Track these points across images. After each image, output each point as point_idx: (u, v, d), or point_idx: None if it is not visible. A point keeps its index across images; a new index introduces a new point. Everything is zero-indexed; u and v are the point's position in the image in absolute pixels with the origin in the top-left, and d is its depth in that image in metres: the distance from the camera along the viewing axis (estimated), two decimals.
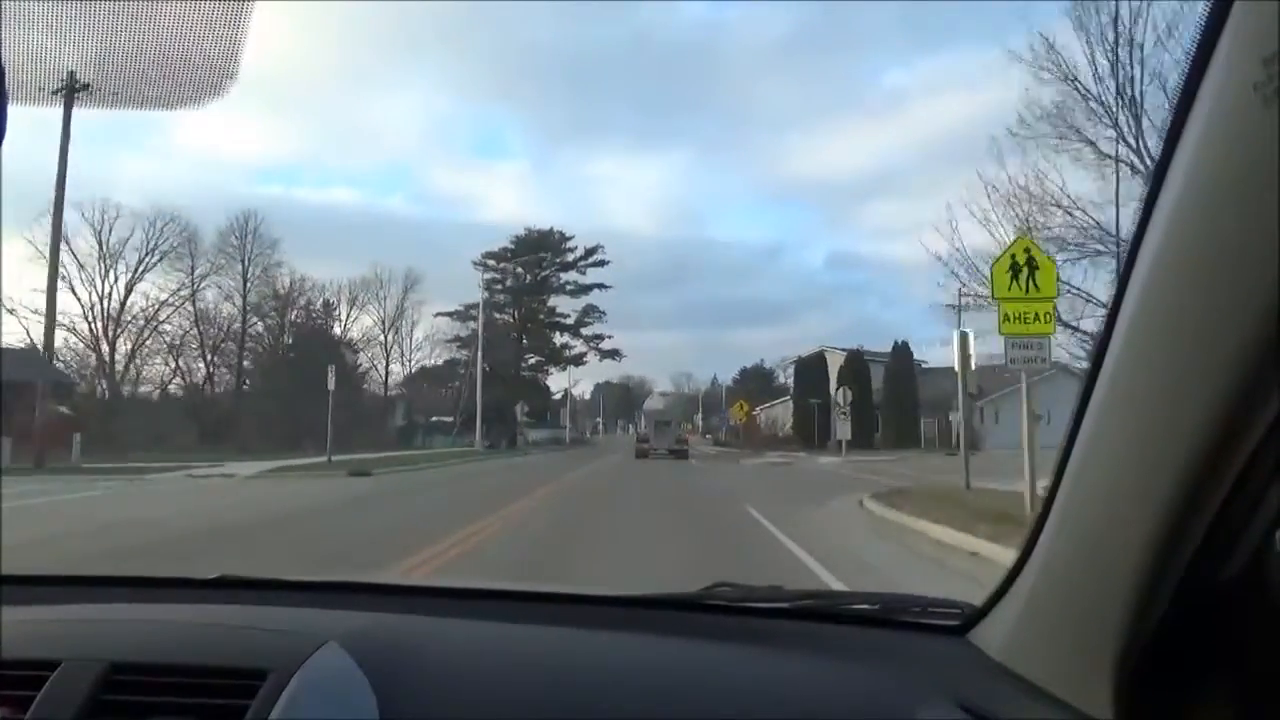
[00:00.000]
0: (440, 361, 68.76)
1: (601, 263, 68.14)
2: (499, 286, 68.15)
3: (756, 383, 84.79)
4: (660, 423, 40.18)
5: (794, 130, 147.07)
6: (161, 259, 47.71)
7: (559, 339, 69.80)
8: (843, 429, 32.94)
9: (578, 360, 70.63)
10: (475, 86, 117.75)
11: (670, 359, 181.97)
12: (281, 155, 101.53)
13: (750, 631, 1.27)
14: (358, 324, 62.74)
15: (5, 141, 0.61)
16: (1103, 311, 1.14)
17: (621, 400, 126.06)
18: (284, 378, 47.82)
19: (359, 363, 63.30)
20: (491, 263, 66.79)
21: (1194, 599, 0.77)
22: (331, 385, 24.32)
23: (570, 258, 67.97)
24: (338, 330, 60.39)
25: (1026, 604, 1.00)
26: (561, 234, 67.14)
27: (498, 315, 67.96)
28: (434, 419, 67.56)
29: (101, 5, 0.70)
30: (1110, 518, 0.80)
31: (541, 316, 69.04)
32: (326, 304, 60.61)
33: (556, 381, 78.34)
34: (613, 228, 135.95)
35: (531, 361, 69.11)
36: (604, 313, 69.07)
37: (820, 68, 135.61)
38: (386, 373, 66.95)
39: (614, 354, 70.00)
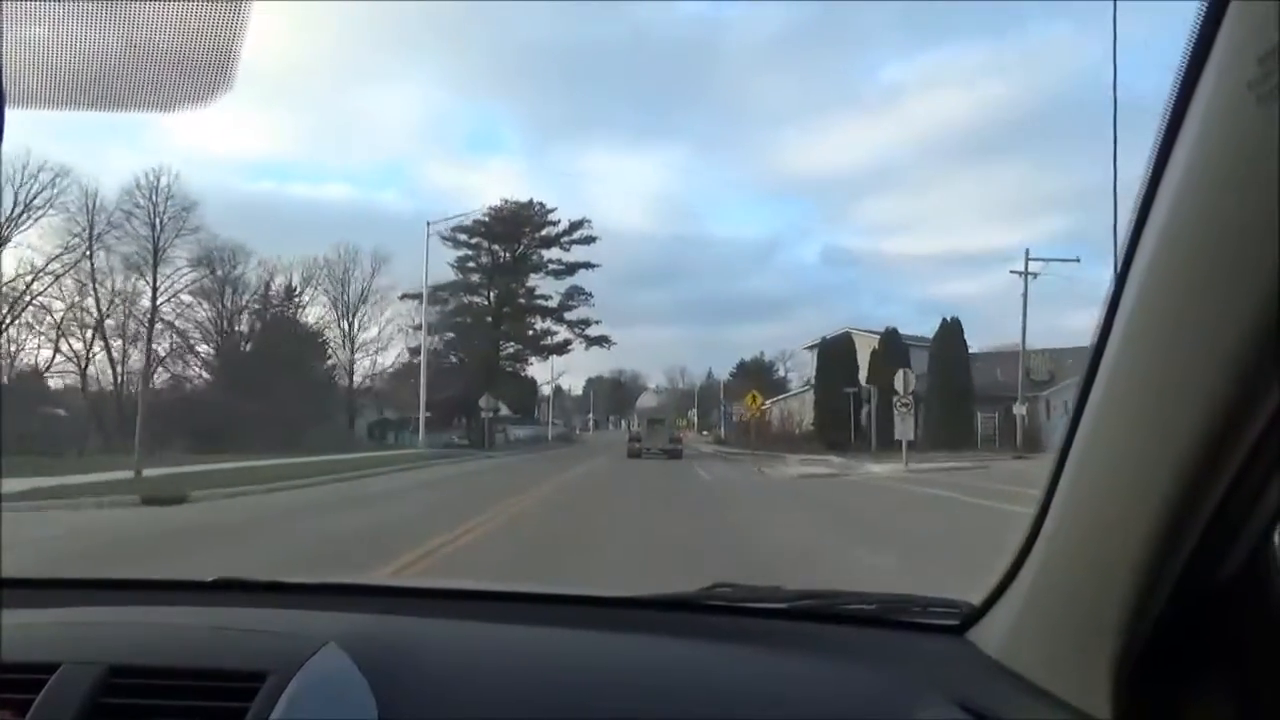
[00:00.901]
0: (406, 352, 60.68)
1: (589, 239, 59.91)
2: (471, 264, 59.90)
3: (756, 376, 79.19)
4: (653, 421, 38.43)
5: (791, 126, 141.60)
6: (32, 217, 37.99)
7: (540, 324, 61.55)
8: (903, 426, 24.91)
9: (561, 348, 62.31)
10: (471, 82, 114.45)
11: (666, 355, 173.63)
12: (275, 151, 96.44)
13: (749, 631, 1.26)
14: (312, 310, 54.64)
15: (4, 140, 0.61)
16: None
17: (614, 395, 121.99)
18: (234, 371, 40.44)
19: (328, 355, 56.10)
20: (463, 237, 58.56)
21: (1192, 597, 0.77)
22: (136, 366, 16.02)
23: (552, 232, 59.72)
24: (302, 318, 52.40)
25: (1025, 603, 1.00)
26: (542, 205, 58.83)
27: (470, 298, 59.67)
28: (416, 416, 61.93)
29: (96, 6, 0.70)
30: (1108, 515, 0.80)
31: (520, 299, 60.75)
32: (289, 289, 53.03)
33: (542, 373, 70.53)
34: (608, 223, 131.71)
35: (509, 350, 60.78)
36: (590, 295, 60.77)
37: (817, 63, 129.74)
38: (351, 365, 59.17)
39: (602, 341, 61.72)
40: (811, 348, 51.20)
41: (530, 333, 61.32)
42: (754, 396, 37.68)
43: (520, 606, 1.38)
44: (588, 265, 61.66)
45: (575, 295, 61.37)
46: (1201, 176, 0.62)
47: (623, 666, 1.15)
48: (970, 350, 40.67)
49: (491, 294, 60.30)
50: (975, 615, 1.17)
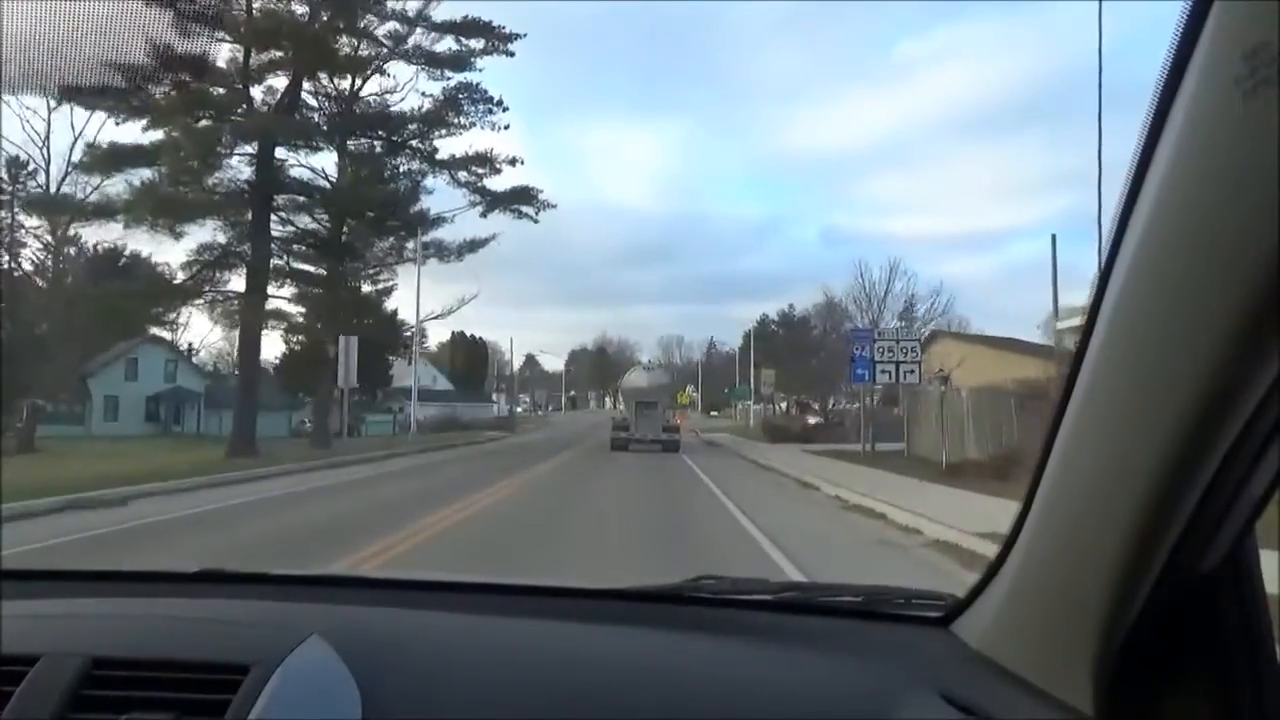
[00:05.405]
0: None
1: None
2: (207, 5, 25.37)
3: (786, 337, 59.53)
4: (644, 404, 28.54)
5: (795, 103, 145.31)
6: None
7: (397, 166, 27.86)
8: None
9: (423, 215, 28.24)
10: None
11: (661, 330, 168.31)
12: None
13: (734, 623, 1.28)
14: None
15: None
16: None
17: (597, 367, 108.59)
18: None
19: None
20: None
21: (1175, 589, 0.79)
22: None
23: None
24: None
25: (1009, 595, 1.02)
26: None
27: (224, 94, 25.64)
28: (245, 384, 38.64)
29: (89, 5, 0.72)
30: (1092, 507, 0.82)
31: (329, 99, 27.02)
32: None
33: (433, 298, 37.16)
34: (605, 200, 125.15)
35: (326, 227, 26.97)
36: (499, 102, 27.32)
37: (825, 38, 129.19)
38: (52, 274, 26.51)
39: (528, 203, 28.14)
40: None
41: (372, 184, 27.30)
42: None
43: (505, 599, 1.39)
44: (500, 45, 27.52)
45: (469, 101, 27.41)
46: (1186, 170, 0.62)
47: (608, 658, 1.17)
48: None
49: (251, 88, 26.22)
50: (959, 607, 1.19)
